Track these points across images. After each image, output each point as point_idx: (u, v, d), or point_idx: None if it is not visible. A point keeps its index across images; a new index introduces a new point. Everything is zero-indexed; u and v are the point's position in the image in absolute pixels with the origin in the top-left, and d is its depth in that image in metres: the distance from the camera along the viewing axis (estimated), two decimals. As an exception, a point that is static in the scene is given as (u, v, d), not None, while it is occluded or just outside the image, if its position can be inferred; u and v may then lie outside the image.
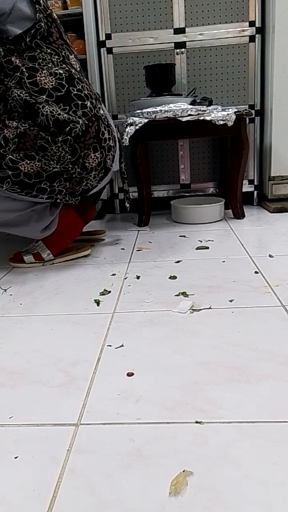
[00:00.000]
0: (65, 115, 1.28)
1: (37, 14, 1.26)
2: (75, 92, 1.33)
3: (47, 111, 1.27)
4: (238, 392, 0.72)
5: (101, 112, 1.40)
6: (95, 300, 1.15)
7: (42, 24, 1.28)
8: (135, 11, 2.07)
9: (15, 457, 0.61)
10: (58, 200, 1.40)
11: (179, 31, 2.08)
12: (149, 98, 1.93)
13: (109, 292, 1.21)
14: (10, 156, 1.28)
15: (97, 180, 1.41)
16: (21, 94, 1.27)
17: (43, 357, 0.88)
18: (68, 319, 1.06)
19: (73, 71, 1.36)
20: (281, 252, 1.45)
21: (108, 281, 1.30)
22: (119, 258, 1.53)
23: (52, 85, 1.29)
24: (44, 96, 1.28)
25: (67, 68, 1.33)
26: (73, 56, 1.40)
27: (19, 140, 1.27)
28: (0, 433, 0.66)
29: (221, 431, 0.63)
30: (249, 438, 0.61)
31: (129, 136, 1.79)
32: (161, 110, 1.78)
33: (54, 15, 1.36)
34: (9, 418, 0.70)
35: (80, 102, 1.32)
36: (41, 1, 1.30)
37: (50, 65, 1.30)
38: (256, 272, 1.28)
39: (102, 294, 1.20)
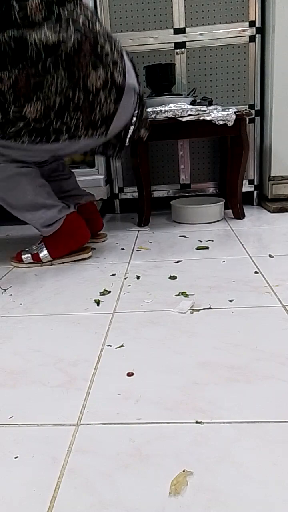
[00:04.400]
0: (55, 36, 1.20)
1: None
2: (66, 13, 1.24)
3: (34, 39, 1.19)
4: (238, 392, 0.72)
5: (98, 26, 1.30)
6: (95, 300, 1.15)
7: None
8: (135, 11, 2.07)
9: (15, 457, 0.61)
10: (82, 137, 1.33)
11: (179, 31, 2.08)
12: (149, 98, 1.94)
13: (109, 292, 1.21)
14: (13, 108, 1.25)
15: (112, 101, 1.31)
16: (10, 33, 1.19)
17: (43, 357, 0.88)
18: (68, 319, 1.06)
19: None
20: (281, 252, 1.45)
21: (108, 281, 1.30)
22: (119, 258, 1.53)
23: (42, 15, 1.20)
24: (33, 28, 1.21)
25: None
26: None
27: (13, 89, 1.23)
28: (0, 433, 0.66)
29: (221, 431, 0.63)
30: (249, 438, 0.61)
31: (129, 136, 1.79)
32: (161, 110, 1.78)
33: None
34: (9, 418, 0.70)
35: (71, 18, 1.23)
36: None
37: None
38: (256, 272, 1.28)
39: (102, 294, 1.20)
